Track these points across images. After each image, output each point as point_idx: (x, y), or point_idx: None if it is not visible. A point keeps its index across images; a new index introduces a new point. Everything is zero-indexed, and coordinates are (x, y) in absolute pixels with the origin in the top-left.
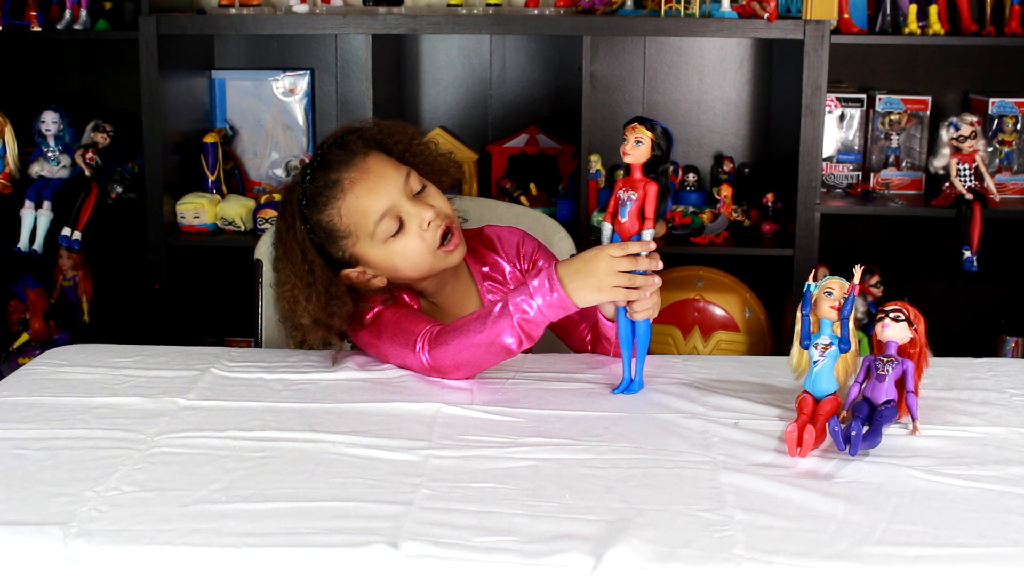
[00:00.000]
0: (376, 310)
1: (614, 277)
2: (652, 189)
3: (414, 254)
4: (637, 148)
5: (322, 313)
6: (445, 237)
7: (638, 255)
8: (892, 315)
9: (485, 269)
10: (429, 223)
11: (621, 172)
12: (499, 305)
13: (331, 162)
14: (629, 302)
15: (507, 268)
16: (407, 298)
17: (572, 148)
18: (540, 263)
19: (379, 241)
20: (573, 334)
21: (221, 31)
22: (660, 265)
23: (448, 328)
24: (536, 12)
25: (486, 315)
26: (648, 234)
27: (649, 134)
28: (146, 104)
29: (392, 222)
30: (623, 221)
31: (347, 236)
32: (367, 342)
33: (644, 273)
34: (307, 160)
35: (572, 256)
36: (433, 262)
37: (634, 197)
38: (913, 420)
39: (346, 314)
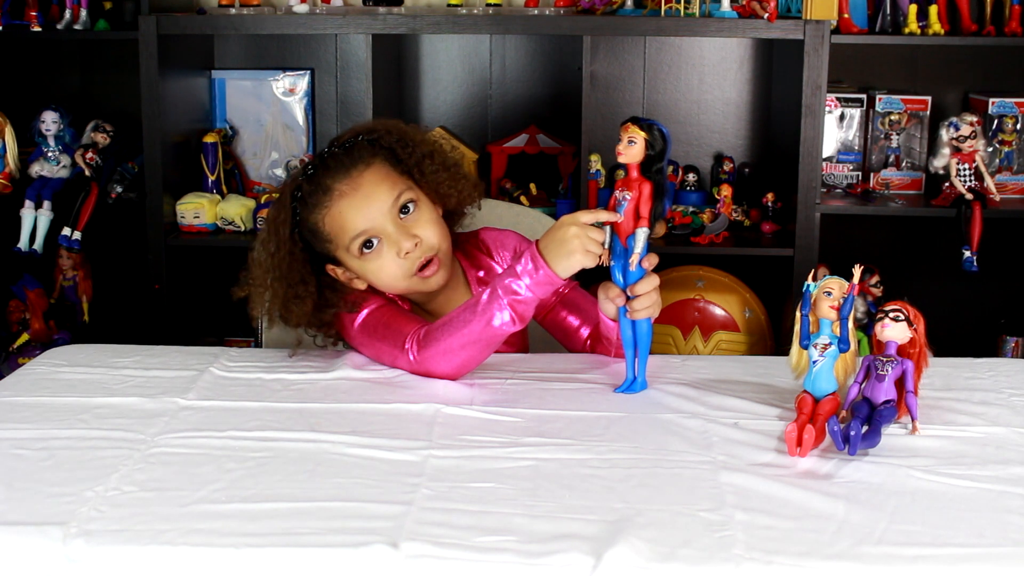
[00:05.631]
0: (366, 310)
1: (583, 240)
2: (646, 188)
3: (388, 276)
4: (630, 148)
5: (281, 307)
6: (425, 266)
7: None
8: (892, 315)
9: (480, 274)
10: (407, 253)
11: (621, 172)
12: (487, 293)
13: (330, 166)
14: (628, 300)
15: None
16: (398, 299)
17: (572, 148)
18: (521, 248)
19: (354, 255)
20: (574, 338)
21: (221, 31)
22: (655, 260)
23: (436, 325)
24: (536, 12)
25: (474, 304)
26: (641, 233)
27: (642, 134)
28: (146, 104)
29: (369, 241)
30: (619, 221)
31: (329, 241)
32: (359, 342)
33: (642, 273)
34: (306, 160)
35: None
36: (409, 285)
37: (629, 196)
38: (912, 420)
39: (305, 312)
